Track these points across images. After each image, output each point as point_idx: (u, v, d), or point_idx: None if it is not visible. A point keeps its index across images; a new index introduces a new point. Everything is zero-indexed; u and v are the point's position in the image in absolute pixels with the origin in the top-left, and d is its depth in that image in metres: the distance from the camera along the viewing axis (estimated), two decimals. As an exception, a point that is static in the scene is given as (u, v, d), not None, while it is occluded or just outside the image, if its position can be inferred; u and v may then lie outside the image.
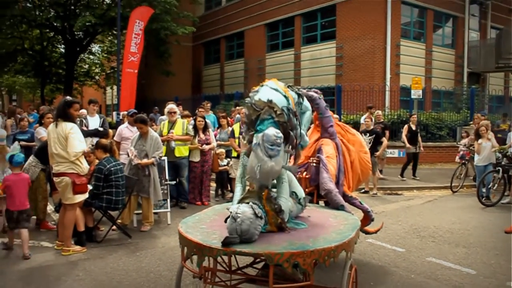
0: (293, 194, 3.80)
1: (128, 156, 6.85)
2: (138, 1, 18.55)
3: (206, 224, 3.64)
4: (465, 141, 11.71)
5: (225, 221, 3.28)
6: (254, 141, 3.39)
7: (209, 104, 11.90)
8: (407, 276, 4.95)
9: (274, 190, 3.66)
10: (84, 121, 8.37)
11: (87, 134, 7.85)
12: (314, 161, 4.68)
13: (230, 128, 9.13)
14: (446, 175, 11.72)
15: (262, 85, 3.77)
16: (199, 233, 3.35)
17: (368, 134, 9.97)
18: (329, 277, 4.42)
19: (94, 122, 8.41)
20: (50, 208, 6.91)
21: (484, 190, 9.15)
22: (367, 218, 4.96)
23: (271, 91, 3.67)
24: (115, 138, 8.15)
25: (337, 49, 19.20)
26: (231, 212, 3.20)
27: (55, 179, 5.48)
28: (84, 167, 5.56)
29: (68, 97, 5.87)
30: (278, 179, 3.61)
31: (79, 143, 5.40)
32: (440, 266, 5.29)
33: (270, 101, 3.53)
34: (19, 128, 8.83)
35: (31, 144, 8.37)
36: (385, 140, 10.12)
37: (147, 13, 16.29)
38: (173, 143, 8.07)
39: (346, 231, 3.52)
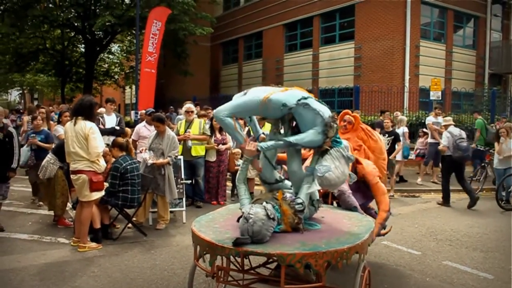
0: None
1: (142, 153, 6.93)
2: (156, 1, 18.70)
3: (219, 223, 3.65)
4: (421, 140, 12.15)
5: (238, 221, 3.28)
6: (342, 153, 3.58)
7: None
8: (422, 279, 4.89)
9: (286, 190, 3.70)
10: (101, 119, 8.46)
11: (104, 132, 7.93)
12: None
13: (247, 128, 9.11)
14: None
15: (306, 98, 3.58)
16: (212, 232, 3.36)
17: (387, 135, 9.93)
18: (343, 278, 4.39)
19: (110, 120, 8.49)
20: (67, 205, 7.02)
21: (503, 193, 8.99)
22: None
23: (322, 105, 3.66)
24: (132, 137, 8.24)
25: (355, 50, 19.07)
26: (243, 212, 3.21)
27: (72, 177, 5.56)
28: (102, 165, 5.64)
29: (89, 96, 5.98)
30: (304, 180, 3.66)
31: (100, 143, 5.51)
32: (456, 270, 5.22)
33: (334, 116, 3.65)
34: (33, 127, 8.19)
35: (45, 145, 7.73)
36: (399, 145, 10.03)
37: (165, 14, 16.48)
38: (189, 142, 8.10)
39: (360, 233, 3.49)
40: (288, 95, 3.58)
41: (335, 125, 3.55)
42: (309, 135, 3.53)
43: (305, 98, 3.56)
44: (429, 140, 11.66)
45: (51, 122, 9.86)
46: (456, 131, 8.99)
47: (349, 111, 5.32)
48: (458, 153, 8.71)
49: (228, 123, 3.62)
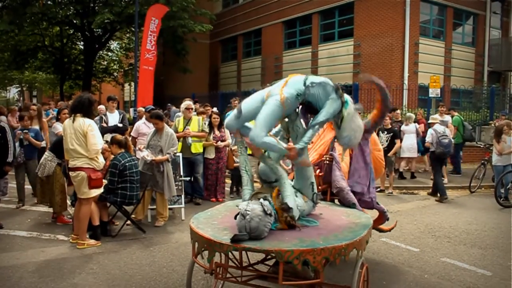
0: (311, 184, 3.82)
1: (141, 151, 6.93)
2: (155, -2, 18.68)
3: (218, 220, 3.65)
4: None
5: (235, 218, 3.28)
6: (353, 109, 3.78)
7: (236, 102, 11.77)
8: (420, 276, 4.90)
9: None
10: (104, 117, 8.46)
11: (107, 130, 7.95)
12: (327, 158, 4.67)
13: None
14: (465, 175, 11.58)
15: (306, 78, 3.67)
16: (210, 229, 3.36)
17: (386, 132, 9.98)
18: (341, 275, 4.39)
19: (113, 118, 8.50)
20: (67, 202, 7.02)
21: (502, 190, 9.00)
22: (382, 218, 4.96)
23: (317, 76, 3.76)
24: (132, 134, 8.24)
25: (354, 47, 19.04)
26: (240, 209, 3.21)
27: (71, 174, 5.57)
28: (100, 162, 5.65)
29: (88, 94, 5.97)
30: (280, 178, 3.67)
31: (98, 140, 5.52)
32: (454, 266, 5.23)
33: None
34: (22, 126, 7.99)
35: (35, 142, 7.77)
36: (398, 142, 10.16)
37: (162, 11, 16.49)
38: (189, 139, 8.10)
39: (358, 229, 3.50)
40: (294, 83, 3.63)
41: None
42: (330, 106, 3.61)
43: (306, 79, 3.66)
44: None
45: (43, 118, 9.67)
46: (441, 128, 9.49)
47: None
48: (440, 149, 9.28)
49: (270, 141, 3.48)
